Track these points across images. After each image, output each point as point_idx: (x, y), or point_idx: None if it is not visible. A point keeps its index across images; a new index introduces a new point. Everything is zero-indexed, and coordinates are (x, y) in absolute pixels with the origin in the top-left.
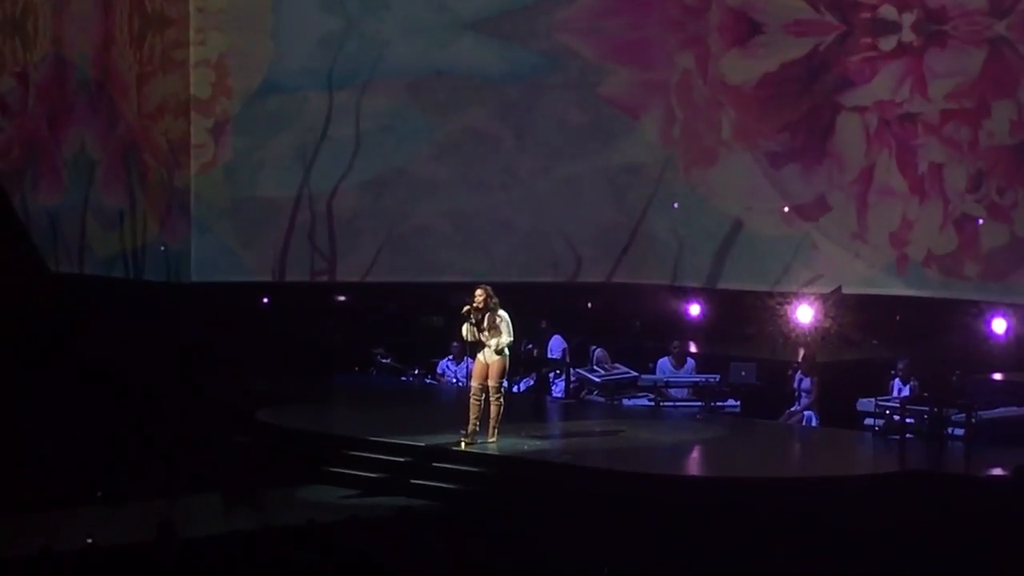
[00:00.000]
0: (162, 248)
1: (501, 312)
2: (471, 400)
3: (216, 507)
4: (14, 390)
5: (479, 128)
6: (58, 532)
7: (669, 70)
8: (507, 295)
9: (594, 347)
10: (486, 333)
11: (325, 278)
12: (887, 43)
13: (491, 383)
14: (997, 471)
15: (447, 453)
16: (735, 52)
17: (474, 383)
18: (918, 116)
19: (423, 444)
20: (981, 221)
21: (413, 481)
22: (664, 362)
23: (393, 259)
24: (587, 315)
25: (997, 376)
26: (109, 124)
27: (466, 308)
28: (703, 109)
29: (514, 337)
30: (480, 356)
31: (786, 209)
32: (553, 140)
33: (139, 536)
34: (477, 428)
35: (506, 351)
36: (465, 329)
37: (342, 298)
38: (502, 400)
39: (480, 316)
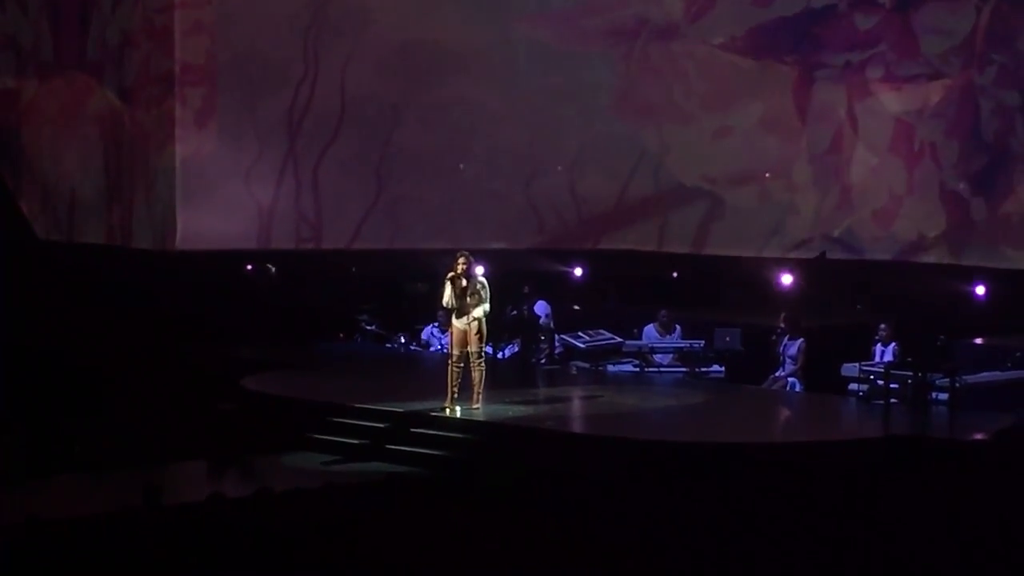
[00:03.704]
0: (148, 215)
1: (482, 279)
2: (451, 368)
3: (201, 474)
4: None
5: (465, 95)
6: (44, 500)
7: (643, 34)
8: (492, 261)
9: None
10: (469, 300)
11: (311, 245)
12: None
13: (472, 348)
14: (980, 436)
15: (432, 419)
16: (704, 16)
17: (455, 351)
18: (904, 81)
19: (408, 411)
20: (962, 185)
21: (398, 448)
22: (649, 329)
23: (379, 226)
24: (573, 282)
25: (980, 340)
26: (95, 91)
27: (452, 274)
28: (677, 76)
29: (494, 302)
30: (457, 323)
31: (767, 175)
32: (540, 107)
33: (124, 504)
34: (456, 394)
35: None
36: (446, 295)
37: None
38: (483, 365)
39: (463, 282)
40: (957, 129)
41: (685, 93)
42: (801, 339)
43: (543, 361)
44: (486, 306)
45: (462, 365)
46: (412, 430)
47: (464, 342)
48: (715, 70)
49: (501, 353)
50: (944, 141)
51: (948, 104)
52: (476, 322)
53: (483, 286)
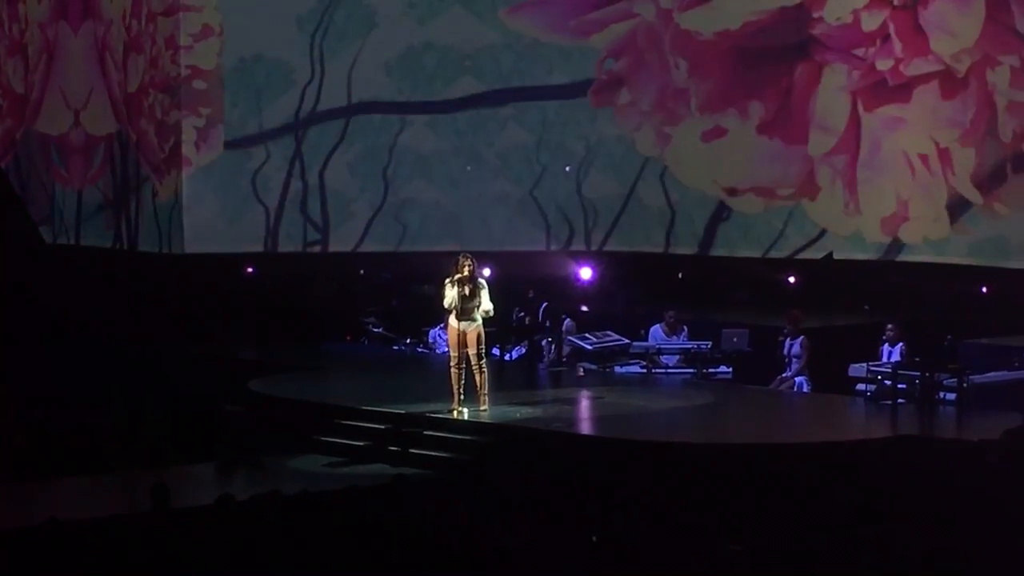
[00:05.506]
0: (155, 218)
1: (482, 281)
2: (452, 371)
3: (209, 476)
4: (9, 361)
5: (472, 98)
6: (58, 502)
7: (640, 35)
8: (499, 264)
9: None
10: (471, 302)
11: (318, 248)
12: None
13: (471, 351)
14: (988, 436)
15: (440, 421)
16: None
17: (453, 352)
18: (913, 80)
19: (415, 413)
20: (973, 186)
21: (406, 450)
22: (656, 329)
23: (386, 229)
24: (580, 284)
25: (987, 340)
26: (102, 94)
27: (457, 276)
28: (675, 78)
29: (498, 304)
30: (455, 325)
31: (772, 177)
32: (546, 109)
33: (132, 506)
34: (462, 396)
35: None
36: (450, 296)
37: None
38: (485, 367)
39: (469, 285)
40: (969, 129)
41: (680, 93)
42: (801, 336)
43: (550, 362)
44: (490, 306)
45: (463, 366)
46: (419, 432)
47: (464, 343)
48: (707, 71)
49: (508, 355)
50: (954, 142)
51: (960, 104)
52: (471, 324)
53: (484, 287)
